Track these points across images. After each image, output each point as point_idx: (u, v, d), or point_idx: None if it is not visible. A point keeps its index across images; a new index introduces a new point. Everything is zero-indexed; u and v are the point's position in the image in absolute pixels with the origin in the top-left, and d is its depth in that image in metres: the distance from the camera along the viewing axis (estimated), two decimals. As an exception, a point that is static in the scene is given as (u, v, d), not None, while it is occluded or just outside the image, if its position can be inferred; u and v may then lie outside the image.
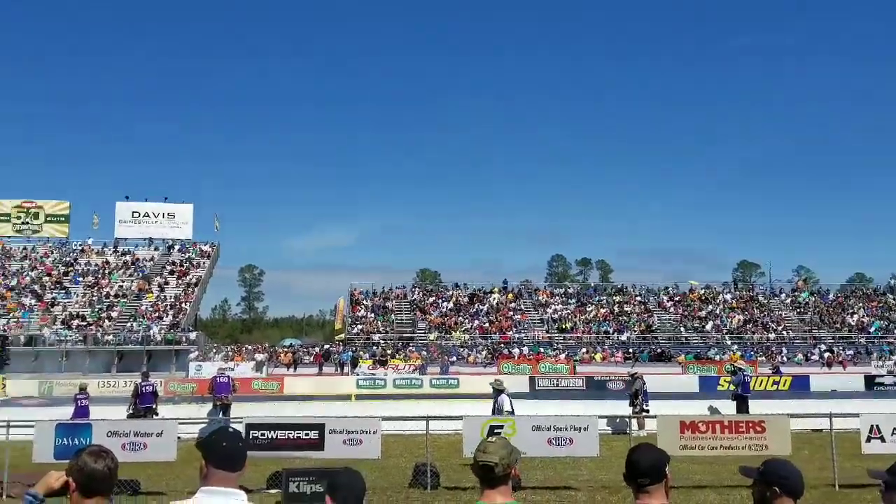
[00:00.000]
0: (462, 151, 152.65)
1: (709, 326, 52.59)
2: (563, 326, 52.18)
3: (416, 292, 58.04)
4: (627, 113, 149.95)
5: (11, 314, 49.73)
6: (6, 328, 47.32)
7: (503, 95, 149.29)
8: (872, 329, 52.15)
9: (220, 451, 3.01)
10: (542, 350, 47.99)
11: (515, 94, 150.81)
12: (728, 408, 20.39)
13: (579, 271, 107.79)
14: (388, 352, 47.08)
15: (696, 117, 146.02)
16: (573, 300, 56.63)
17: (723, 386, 34.28)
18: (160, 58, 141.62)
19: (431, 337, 50.15)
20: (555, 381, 40.15)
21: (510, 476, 3.15)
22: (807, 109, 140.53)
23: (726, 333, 51.81)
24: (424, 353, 47.16)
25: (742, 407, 20.35)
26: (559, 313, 54.15)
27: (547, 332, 51.79)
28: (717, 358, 46.20)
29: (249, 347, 52.08)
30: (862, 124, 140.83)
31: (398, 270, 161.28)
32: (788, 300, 57.42)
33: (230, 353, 48.85)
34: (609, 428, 18.22)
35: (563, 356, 46.88)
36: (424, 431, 13.81)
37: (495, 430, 12.79)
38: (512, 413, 14.62)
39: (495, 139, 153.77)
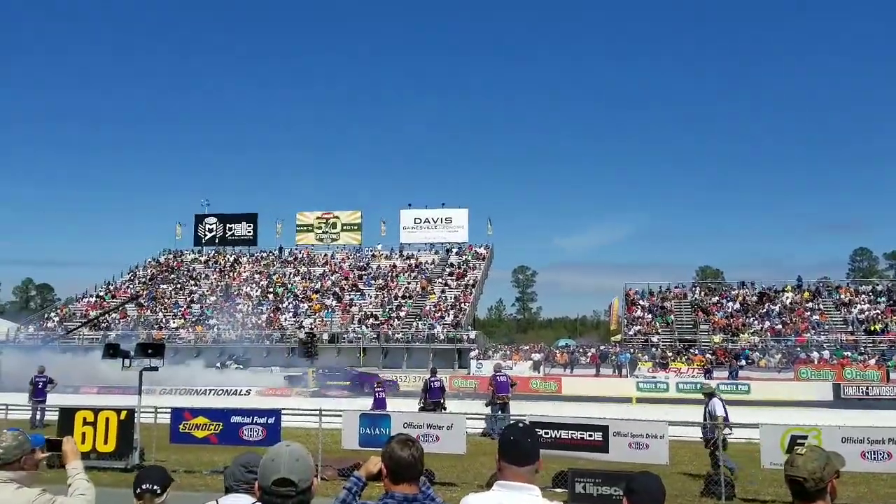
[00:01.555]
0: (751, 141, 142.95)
1: None
2: (872, 328, 46.40)
3: (697, 291, 55.23)
4: None
5: (317, 314, 55.83)
6: (313, 326, 53.18)
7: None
8: None
9: (510, 447, 3.11)
10: (847, 354, 43.09)
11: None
12: None
13: (888, 265, 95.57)
14: (669, 354, 45.30)
15: None
16: (883, 298, 50.18)
17: None
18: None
19: (716, 339, 47.33)
20: (863, 388, 35.93)
21: (826, 490, 2.94)
22: None
23: None
24: (709, 356, 44.63)
25: None
26: (866, 313, 48.26)
27: (852, 334, 46.44)
28: None
29: (526, 347, 53.07)
30: None
31: (674, 267, 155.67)
32: None
33: (508, 353, 50.18)
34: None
35: (872, 361, 41.77)
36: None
37: (798, 441, 11.69)
38: (726, 418, 13.25)
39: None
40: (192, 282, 63.97)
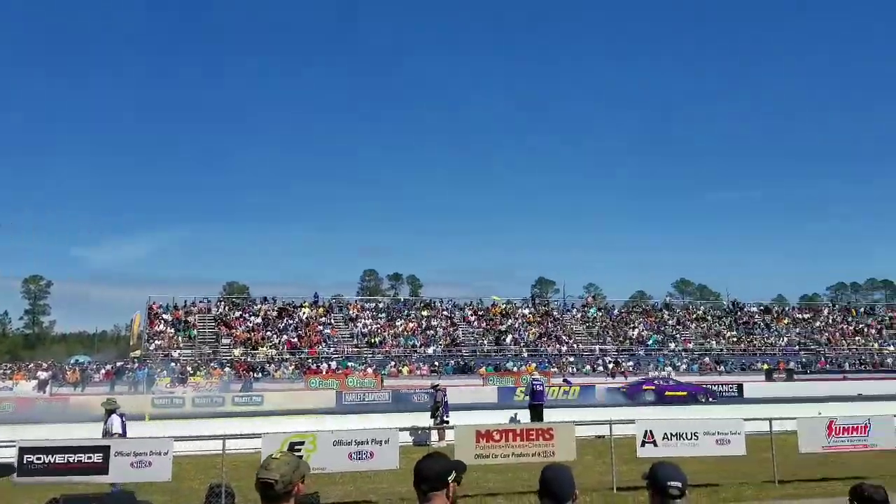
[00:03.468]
0: (273, 162, 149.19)
1: (508, 339, 55.12)
2: (373, 341, 52.51)
3: (222, 306, 55.88)
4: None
5: None
6: None
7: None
8: (650, 342, 57.26)
9: None
10: (350, 364, 47.97)
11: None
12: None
13: (391, 286, 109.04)
14: (189, 369, 44.96)
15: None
16: (383, 314, 57.17)
17: (519, 396, 36.22)
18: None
19: (236, 353, 48.49)
20: (361, 395, 40.23)
21: (292, 493, 3.16)
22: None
23: (524, 346, 54.59)
24: (228, 369, 45.50)
25: (536, 415, 21.39)
26: (369, 328, 54.43)
27: (356, 346, 51.86)
28: (515, 369, 48.54)
29: (31, 365, 47.63)
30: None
31: (205, 283, 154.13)
32: (579, 315, 61.57)
33: (9, 371, 44.47)
34: (411, 439, 18.62)
35: (371, 370, 47.12)
36: (221, 451, 13.38)
37: (296, 447, 12.68)
38: (123, 435, 13.98)
39: (301, 154, 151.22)
40: None
